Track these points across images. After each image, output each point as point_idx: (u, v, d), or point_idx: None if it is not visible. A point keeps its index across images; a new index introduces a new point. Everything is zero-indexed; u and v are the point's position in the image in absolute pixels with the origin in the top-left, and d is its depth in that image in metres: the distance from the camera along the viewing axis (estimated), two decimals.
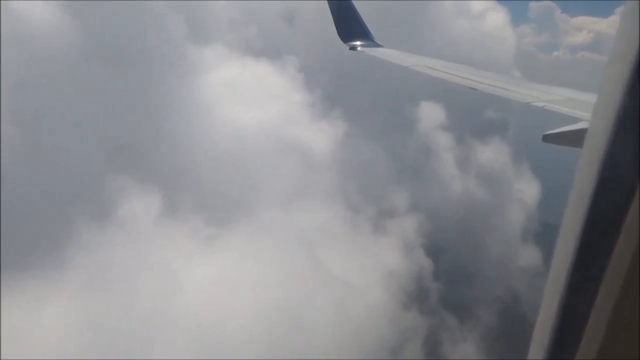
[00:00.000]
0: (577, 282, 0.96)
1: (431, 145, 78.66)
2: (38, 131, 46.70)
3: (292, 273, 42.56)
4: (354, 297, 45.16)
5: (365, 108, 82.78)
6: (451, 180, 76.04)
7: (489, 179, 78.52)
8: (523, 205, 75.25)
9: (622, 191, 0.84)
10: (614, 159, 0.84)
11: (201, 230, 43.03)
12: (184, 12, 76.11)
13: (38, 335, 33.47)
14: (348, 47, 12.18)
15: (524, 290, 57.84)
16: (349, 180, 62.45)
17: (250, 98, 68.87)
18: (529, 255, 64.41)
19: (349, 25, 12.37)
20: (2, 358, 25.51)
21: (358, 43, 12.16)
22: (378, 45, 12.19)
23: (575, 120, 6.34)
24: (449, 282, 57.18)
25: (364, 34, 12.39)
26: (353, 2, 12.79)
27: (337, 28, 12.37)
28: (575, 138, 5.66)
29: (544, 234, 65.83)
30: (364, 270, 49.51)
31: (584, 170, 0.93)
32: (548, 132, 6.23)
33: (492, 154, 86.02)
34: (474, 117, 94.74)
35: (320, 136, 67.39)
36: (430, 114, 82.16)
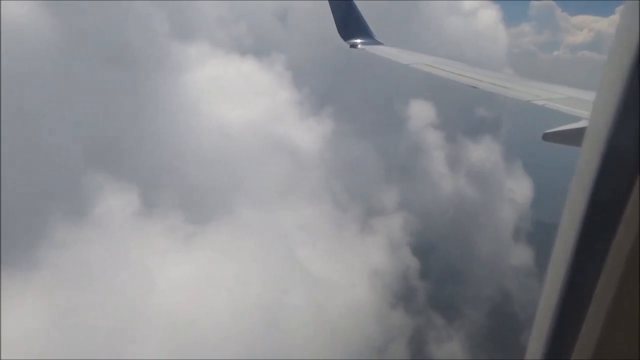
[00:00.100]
0: (575, 281, 0.97)
1: (422, 144, 78.21)
2: (16, 128, 46.13)
3: (272, 272, 41.97)
4: (337, 296, 44.60)
5: (356, 106, 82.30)
6: (442, 179, 75.56)
7: (482, 178, 78.08)
8: (514, 203, 74.75)
9: (621, 189, 0.83)
10: (614, 157, 0.85)
11: (180, 229, 42.48)
12: (170, 10, 75.80)
13: (9, 335, 32.87)
14: (348, 45, 12.14)
15: (513, 289, 57.32)
16: (337, 178, 61.95)
17: (237, 95, 68.44)
18: (520, 254, 63.87)
19: (350, 23, 12.38)
20: None
21: (359, 41, 12.15)
22: (378, 43, 12.17)
23: (576, 118, 6.30)
24: (438, 281, 56.61)
25: (364, 31, 12.37)
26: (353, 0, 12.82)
27: (337, 26, 12.35)
28: (575, 136, 5.65)
29: (536, 233, 65.32)
30: (350, 269, 48.97)
31: (584, 168, 0.93)
32: (548, 131, 6.23)
33: (485, 152, 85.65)
34: (468, 115, 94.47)
35: (308, 134, 66.92)
36: (422, 112, 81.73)
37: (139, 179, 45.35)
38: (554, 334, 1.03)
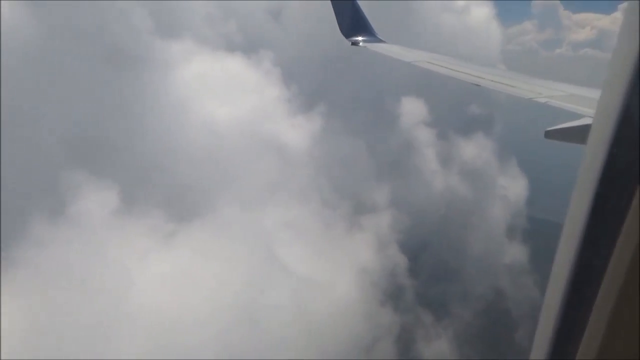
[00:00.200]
0: (578, 282, 0.98)
1: (414, 142, 77.57)
2: None
3: (255, 271, 41.42)
4: (325, 295, 44.07)
5: (347, 104, 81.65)
6: (435, 177, 74.93)
7: (475, 175, 77.43)
8: (508, 201, 74.18)
9: (627, 188, 0.83)
10: (618, 155, 0.85)
11: (162, 227, 41.86)
12: (159, 8, 75.16)
13: None
14: (350, 43, 12.10)
15: (504, 286, 56.79)
16: (326, 176, 61.34)
17: (225, 93, 67.73)
18: (512, 252, 63.35)
19: (351, 21, 12.35)
20: None
21: (360, 38, 12.12)
22: (380, 41, 12.11)
23: (578, 116, 6.27)
24: (429, 280, 56.11)
25: (366, 29, 12.34)
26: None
27: (339, 24, 12.29)
28: (577, 134, 5.68)
29: (529, 230, 64.82)
30: (338, 268, 48.41)
31: (588, 165, 0.94)
32: (550, 128, 6.24)
33: (480, 150, 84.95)
34: (462, 112, 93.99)
35: (298, 132, 66.26)
36: (414, 109, 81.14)
37: (122, 178, 44.72)
38: (558, 335, 1.03)
